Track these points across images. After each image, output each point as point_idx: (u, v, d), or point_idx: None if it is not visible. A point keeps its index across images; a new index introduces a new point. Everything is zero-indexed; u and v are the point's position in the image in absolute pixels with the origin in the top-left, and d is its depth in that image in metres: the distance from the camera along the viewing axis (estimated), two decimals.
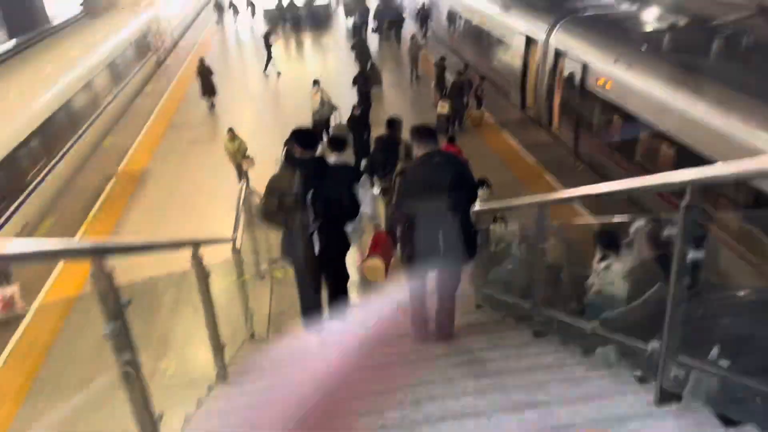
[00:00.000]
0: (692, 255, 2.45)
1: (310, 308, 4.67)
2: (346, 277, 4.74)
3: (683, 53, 10.46)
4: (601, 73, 11.82)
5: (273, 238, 8.03)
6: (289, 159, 4.45)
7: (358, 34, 23.50)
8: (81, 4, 20.71)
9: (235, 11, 30.76)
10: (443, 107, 14.10)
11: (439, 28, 25.50)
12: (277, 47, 22.36)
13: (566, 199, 4.97)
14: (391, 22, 24.64)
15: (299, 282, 4.65)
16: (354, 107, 12.68)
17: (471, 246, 4.42)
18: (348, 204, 4.35)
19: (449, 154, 4.43)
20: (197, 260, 3.90)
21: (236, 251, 5.43)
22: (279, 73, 20.59)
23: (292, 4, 27.41)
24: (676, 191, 2.74)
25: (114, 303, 2.37)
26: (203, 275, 3.91)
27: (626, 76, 11.04)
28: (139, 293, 2.89)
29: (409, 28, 25.29)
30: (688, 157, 9.47)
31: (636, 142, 10.93)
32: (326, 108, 14.05)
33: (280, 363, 3.64)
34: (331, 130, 13.92)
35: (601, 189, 3.47)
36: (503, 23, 16.93)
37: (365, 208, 5.58)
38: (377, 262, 5.44)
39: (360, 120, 12.50)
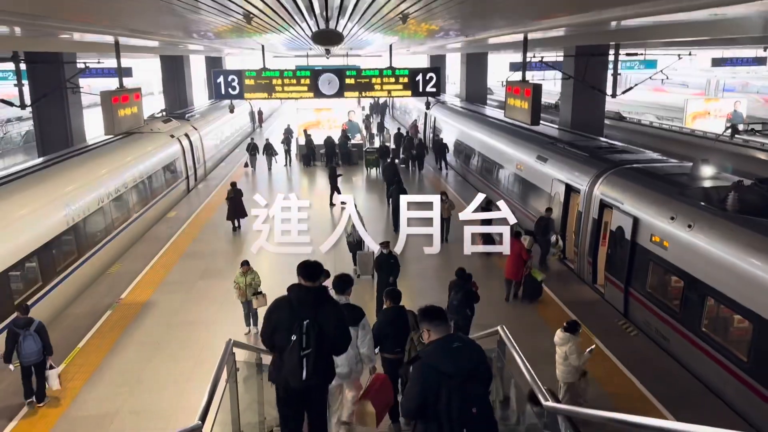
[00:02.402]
0: None
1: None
2: (326, 407, 4.95)
3: (755, 215, 9.35)
4: (657, 229, 10.70)
5: (268, 408, 6.66)
6: (291, 287, 4.55)
7: (387, 158, 23.73)
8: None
9: (272, 153, 26.96)
10: (524, 240, 13.17)
11: (458, 165, 25.54)
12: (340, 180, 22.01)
13: None
14: (413, 154, 26.33)
15: (281, 411, 4.79)
16: (381, 245, 11.80)
17: None
18: (340, 337, 4.55)
19: (467, 338, 4.05)
20: None
21: None
22: (344, 204, 19.83)
23: (328, 142, 27.58)
24: None
25: None
26: None
27: (688, 236, 9.89)
28: None
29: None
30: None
31: (699, 309, 9.53)
32: (357, 233, 13.42)
33: None
34: (358, 256, 13.70)
35: None
36: (540, 169, 16.26)
37: (363, 349, 5.59)
38: (368, 407, 5.32)
39: (387, 259, 11.69)
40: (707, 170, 11.78)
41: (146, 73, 53.81)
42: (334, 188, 20.57)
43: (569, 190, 14.40)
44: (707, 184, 11.40)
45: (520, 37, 13.66)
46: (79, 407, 8.86)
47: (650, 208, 11.12)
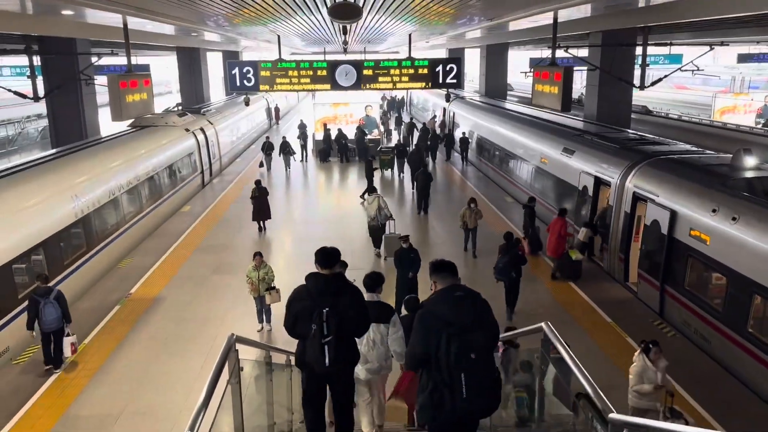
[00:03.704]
0: None
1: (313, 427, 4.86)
2: (353, 388, 4.95)
3: None
4: (697, 223, 9.99)
5: (280, 410, 6.14)
6: (308, 277, 4.52)
7: (406, 156, 23.60)
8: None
9: (289, 152, 25.41)
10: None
11: (479, 160, 24.99)
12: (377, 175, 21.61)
13: None
14: (427, 145, 26.78)
15: (306, 395, 4.83)
16: (401, 239, 11.55)
17: (496, 393, 3.89)
18: (361, 321, 4.59)
19: (471, 290, 3.95)
20: None
21: None
22: (372, 190, 19.12)
23: (339, 136, 27.13)
24: None
25: None
26: None
27: (732, 229, 9.17)
28: None
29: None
30: None
31: (745, 308, 8.82)
32: (383, 216, 14.18)
33: None
34: (384, 238, 13.97)
35: None
36: (567, 162, 15.55)
37: (395, 347, 5.49)
38: (401, 404, 5.36)
39: (407, 253, 11.21)
40: (749, 160, 11.03)
41: (165, 74, 54.01)
42: (371, 184, 19.89)
43: (598, 183, 13.70)
44: (750, 174, 10.67)
45: (545, 20, 12.98)
46: (81, 406, 8.39)
47: (689, 200, 10.41)
